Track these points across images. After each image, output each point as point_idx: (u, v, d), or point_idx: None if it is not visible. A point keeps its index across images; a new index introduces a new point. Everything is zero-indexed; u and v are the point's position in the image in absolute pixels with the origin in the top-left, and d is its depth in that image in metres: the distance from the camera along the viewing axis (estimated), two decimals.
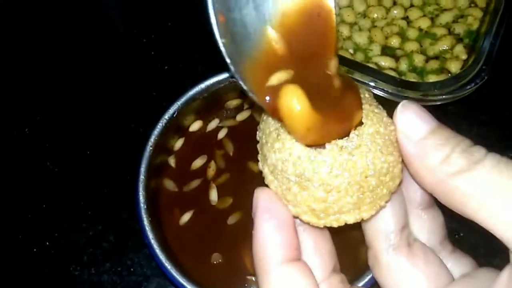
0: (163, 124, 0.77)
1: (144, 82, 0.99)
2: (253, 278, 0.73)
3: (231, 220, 0.77)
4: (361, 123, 0.48)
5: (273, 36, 0.48)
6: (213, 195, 0.78)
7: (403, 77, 0.85)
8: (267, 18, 0.48)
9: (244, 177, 0.79)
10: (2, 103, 0.98)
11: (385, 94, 0.80)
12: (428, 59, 0.89)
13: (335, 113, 0.47)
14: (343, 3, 0.95)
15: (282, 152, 0.47)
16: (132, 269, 0.83)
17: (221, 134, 0.83)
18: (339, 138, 0.47)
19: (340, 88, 0.49)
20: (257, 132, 0.52)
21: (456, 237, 0.80)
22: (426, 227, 0.53)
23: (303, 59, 0.48)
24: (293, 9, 0.48)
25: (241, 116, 0.84)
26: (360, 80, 0.80)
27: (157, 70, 1.00)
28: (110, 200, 0.87)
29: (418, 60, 0.88)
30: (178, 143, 0.82)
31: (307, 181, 0.46)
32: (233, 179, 0.79)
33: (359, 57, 0.89)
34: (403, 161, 0.48)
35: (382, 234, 0.50)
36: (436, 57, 0.89)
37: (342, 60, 0.81)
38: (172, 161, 0.81)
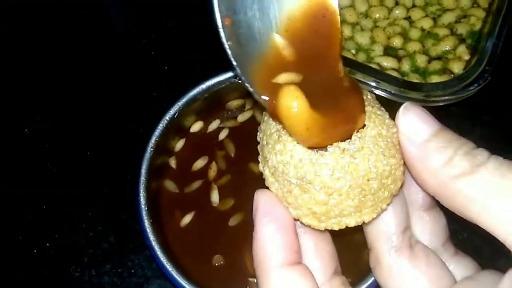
0: (164, 125, 0.77)
1: (144, 83, 0.99)
2: (255, 280, 0.72)
3: (233, 221, 0.76)
4: (363, 125, 0.48)
5: (280, 42, 0.47)
6: (214, 197, 0.78)
7: (405, 78, 0.85)
8: (272, 20, 0.48)
9: (246, 178, 0.79)
10: (2, 103, 0.98)
11: (387, 95, 0.79)
12: (430, 59, 0.88)
13: (338, 115, 0.47)
14: (345, 3, 0.94)
15: (283, 154, 0.47)
16: (132, 271, 0.82)
17: (222, 135, 0.83)
18: (341, 141, 0.46)
19: (344, 89, 0.48)
20: (258, 133, 0.52)
21: (459, 238, 0.79)
22: (428, 228, 0.53)
23: (309, 61, 0.48)
24: (298, 11, 0.48)
25: (242, 117, 0.84)
26: (362, 81, 0.79)
27: (157, 70, 1.00)
28: (110, 200, 0.87)
29: (421, 60, 0.87)
30: (179, 144, 0.82)
31: (308, 184, 0.46)
32: (235, 180, 0.79)
33: (361, 58, 0.89)
34: (405, 164, 0.48)
35: (383, 236, 0.50)
36: (438, 58, 0.88)
37: (344, 61, 0.79)
38: (173, 162, 0.81)
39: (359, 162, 0.46)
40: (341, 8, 0.93)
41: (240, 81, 0.46)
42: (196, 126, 0.83)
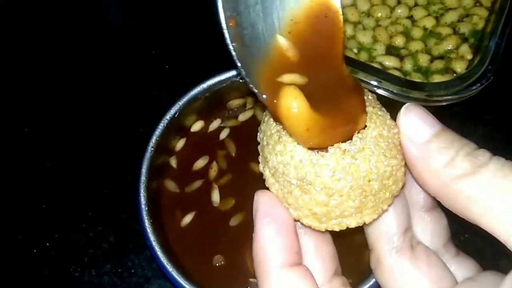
0: (164, 124, 0.76)
1: (144, 82, 0.98)
2: (256, 281, 0.72)
3: (233, 221, 0.76)
4: (364, 126, 0.47)
5: (284, 44, 0.47)
6: (215, 196, 0.78)
7: (407, 77, 0.84)
8: (275, 21, 0.47)
9: (247, 178, 0.78)
10: (2, 103, 0.98)
11: (390, 94, 0.79)
12: (433, 59, 0.88)
13: (339, 116, 0.47)
14: (347, 2, 0.94)
15: (283, 155, 0.47)
16: (132, 271, 0.82)
17: (223, 134, 0.82)
18: (342, 141, 0.46)
19: (345, 90, 0.48)
20: (258, 134, 0.52)
21: (460, 239, 0.79)
22: (429, 229, 0.53)
23: (312, 62, 0.48)
24: (301, 11, 0.48)
25: (243, 116, 0.84)
26: (364, 80, 0.79)
27: (157, 69, 1.00)
28: (110, 200, 0.87)
29: (423, 60, 0.87)
30: (180, 144, 0.82)
31: (309, 185, 0.45)
32: (235, 180, 0.79)
33: (363, 57, 0.88)
34: (406, 164, 0.48)
35: (384, 236, 0.50)
36: (441, 57, 0.88)
37: (346, 60, 0.80)
38: (173, 161, 0.80)
39: (360, 163, 0.45)
40: (343, 7, 0.93)
41: (245, 83, 0.46)
42: (197, 126, 0.83)
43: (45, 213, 0.86)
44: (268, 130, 0.49)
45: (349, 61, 0.81)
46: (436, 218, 0.53)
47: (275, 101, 0.45)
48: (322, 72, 0.48)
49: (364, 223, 0.48)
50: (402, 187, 0.49)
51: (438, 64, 0.87)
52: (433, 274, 0.49)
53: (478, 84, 0.78)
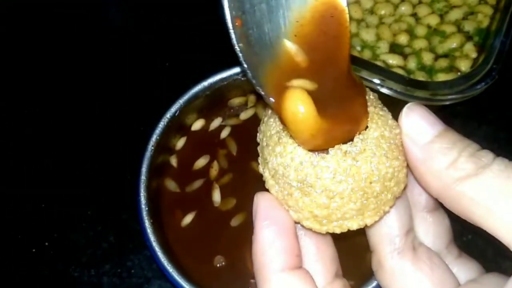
0: (165, 123, 0.76)
1: (145, 81, 0.98)
2: None
3: (234, 221, 0.76)
4: (365, 127, 0.47)
5: (292, 49, 0.47)
6: (216, 196, 0.77)
7: (411, 76, 0.84)
8: (281, 20, 0.47)
9: (248, 178, 0.78)
10: (1, 103, 0.98)
11: (393, 93, 0.79)
12: (437, 57, 0.87)
13: (342, 118, 0.46)
14: None
15: (283, 157, 0.46)
16: (132, 271, 0.82)
17: (224, 133, 0.82)
18: (343, 143, 0.46)
19: (348, 90, 0.48)
20: (258, 134, 0.51)
21: (463, 240, 0.79)
22: (432, 230, 0.53)
23: (320, 66, 0.48)
24: (307, 11, 0.48)
25: (245, 115, 0.83)
26: (367, 79, 0.78)
27: (158, 68, 1.00)
28: (110, 200, 0.86)
29: (427, 58, 0.87)
30: (180, 143, 0.81)
31: (309, 187, 0.45)
32: (237, 179, 0.79)
33: (367, 55, 0.88)
34: (408, 165, 0.47)
35: (386, 238, 0.50)
36: (445, 55, 0.87)
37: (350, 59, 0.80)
38: (174, 161, 0.80)
39: (361, 164, 0.45)
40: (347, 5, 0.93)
41: (248, 82, 0.45)
42: (198, 124, 0.82)
43: (44, 213, 0.86)
44: (268, 131, 0.49)
45: (352, 59, 0.80)
46: (439, 219, 0.53)
47: (282, 104, 0.44)
48: (328, 75, 0.48)
49: (366, 225, 0.47)
50: (404, 189, 0.49)
51: (442, 63, 0.86)
52: (436, 276, 0.48)
53: (483, 83, 0.77)
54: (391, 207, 0.48)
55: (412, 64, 0.86)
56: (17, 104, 0.98)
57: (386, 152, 0.46)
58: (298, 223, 0.48)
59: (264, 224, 0.47)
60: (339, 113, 0.46)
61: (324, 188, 0.45)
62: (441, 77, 0.84)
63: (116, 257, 0.83)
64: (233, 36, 0.44)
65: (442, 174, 0.44)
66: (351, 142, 0.46)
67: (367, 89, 0.50)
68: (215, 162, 0.79)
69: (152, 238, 0.70)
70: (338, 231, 0.47)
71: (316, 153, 0.45)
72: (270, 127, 0.48)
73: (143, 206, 0.71)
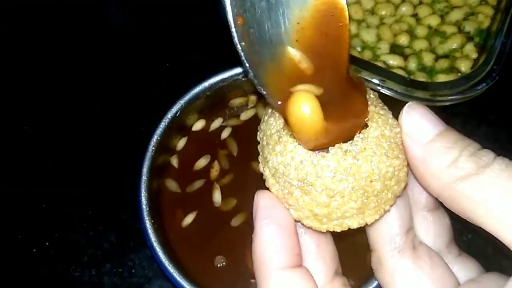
0: (166, 123, 0.76)
1: (145, 81, 0.98)
2: None
3: (235, 222, 0.76)
4: (365, 126, 0.47)
5: (296, 56, 0.47)
6: (217, 196, 0.77)
7: (411, 77, 0.84)
8: (280, 18, 0.47)
9: (248, 178, 0.78)
10: (1, 103, 0.98)
11: (393, 94, 0.79)
12: (437, 58, 0.87)
13: (344, 118, 0.46)
14: None
15: (283, 156, 0.46)
16: (133, 270, 0.82)
17: (225, 133, 0.82)
18: (343, 142, 0.46)
19: (349, 90, 0.48)
20: (258, 133, 0.51)
21: (463, 240, 0.79)
22: (432, 229, 0.53)
23: (323, 70, 0.47)
24: (307, 11, 0.47)
25: (245, 115, 0.83)
26: (368, 79, 0.78)
27: (158, 69, 1.00)
28: (111, 200, 0.86)
29: (427, 59, 0.87)
30: (181, 143, 0.81)
31: (310, 186, 0.45)
32: (237, 180, 0.79)
33: (367, 55, 0.88)
34: (408, 164, 0.47)
35: (386, 236, 0.50)
36: (446, 56, 0.87)
37: (350, 59, 0.80)
38: (174, 161, 0.80)
39: (361, 163, 0.45)
40: (347, 5, 0.93)
41: (249, 82, 0.45)
42: (198, 125, 0.82)
43: (45, 213, 0.86)
44: (268, 129, 0.49)
45: (353, 60, 0.81)
46: (439, 218, 0.53)
47: (288, 108, 0.45)
48: (330, 77, 0.48)
49: (366, 224, 0.47)
50: (405, 187, 0.49)
51: (443, 63, 0.86)
52: (436, 275, 0.48)
53: (484, 84, 0.77)
54: (391, 206, 0.48)
55: (412, 64, 0.86)
56: (17, 104, 0.98)
57: (387, 151, 0.45)
58: (299, 221, 0.48)
59: (264, 222, 0.47)
60: (341, 114, 0.46)
61: (324, 187, 0.45)
62: (442, 78, 0.84)
63: (116, 256, 0.83)
64: (235, 34, 0.43)
65: (442, 173, 0.43)
66: (351, 141, 0.46)
67: (367, 89, 0.50)
68: (216, 163, 0.79)
69: (153, 238, 0.69)
70: (338, 229, 0.47)
71: (317, 152, 0.45)
72: (270, 126, 0.48)
73: (144, 206, 0.71)
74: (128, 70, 1.00)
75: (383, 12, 0.92)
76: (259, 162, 0.50)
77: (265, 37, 0.46)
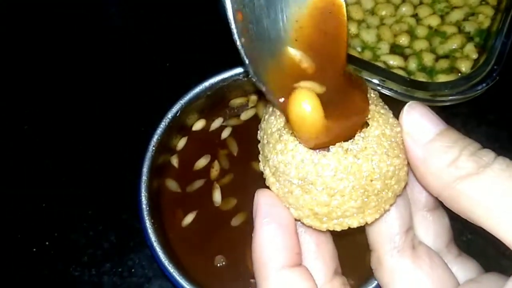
0: (166, 123, 0.76)
1: (145, 81, 0.98)
2: None
3: (235, 221, 0.75)
4: (366, 125, 0.47)
5: (297, 56, 0.47)
6: (217, 196, 0.77)
7: (412, 77, 0.84)
8: (278, 15, 0.47)
9: (248, 178, 0.78)
10: (2, 102, 0.98)
11: (394, 94, 0.79)
12: (437, 58, 0.87)
13: (345, 117, 0.46)
14: (351, 0, 0.94)
15: (284, 154, 0.46)
16: (133, 270, 0.82)
17: (225, 133, 0.82)
18: (344, 141, 0.46)
19: (350, 89, 0.48)
20: (258, 132, 0.51)
21: (463, 239, 0.79)
22: (432, 229, 0.53)
23: (324, 68, 0.47)
24: (306, 7, 0.47)
25: (246, 115, 0.83)
26: (368, 79, 0.78)
27: (158, 69, 1.00)
28: (111, 199, 0.86)
29: (428, 59, 0.87)
30: (181, 143, 0.81)
31: (310, 185, 0.45)
32: (237, 179, 0.78)
33: (367, 56, 0.88)
34: (408, 164, 0.47)
35: (386, 236, 0.49)
36: (446, 56, 0.87)
37: (350, 59, 0.80)
38: (174, 161, 0.80)
39: (362, 162, 0.45)
40: (347, 5, 0.93)
41: (250, 81, 0.45)
42: (199, 125, 0.82)
43: (45, 212, 0.86)
44: (269, 128, 0.49)
45: (353, 60, 0.81)
46: (439, 218, 0.53)
47: (289, 105, 0.44)
48: (331, 75, 0.48)
49: (366, 223, 0.47)
50: (405, 187, 0.49)
51: (443, 64, 0.86)
52: (435, 275, 0.48)
53: (484, 84, 0.77)
54: (391, 205, 0.48)
55: (412, 65, 0.86)
56: (17, 104, 0.98)
57: (387, 150, 0.45)
58: (299, 220, 0.48)
59: (264, 221, 0.47)
60: (342, 112, 0.46)
61: (325, 186, 0.44)
62: (442, 78, 0.84)
63: (116, 256, 0.83)
64: (234, 30, 0.43)
65: (442, 172, 0.43)
66: (352, 140, 0.45)
67: (368, 88, 0.50)
68: (216, 162, 0.79)
69: (153, 238, 0.69)
70: (338, 228, 0.47)
71: (317, 150, 0.45)
72: (271, 125, 0.48)
73: (144, 206, 0.71)
74: (128, 70, 1.00)
75: (383, 13, 0.92)
76: (259, 161, 0.50)
77: (264, 33, 0.45)
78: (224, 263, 0.73)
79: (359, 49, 0.89)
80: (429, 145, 0.45)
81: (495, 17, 0.88)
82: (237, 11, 0.43)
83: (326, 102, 0.44)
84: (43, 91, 0.99)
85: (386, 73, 0.79)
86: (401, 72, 0.84)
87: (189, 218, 0.76)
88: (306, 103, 0.43)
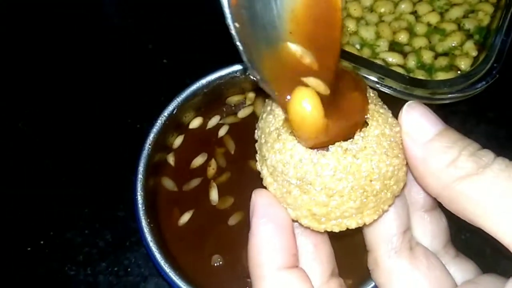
0: (162, 121, 0.76)
1: (142, 79, 0.98)
2: None
3: (232, 220, 0.75)
4: (366, 124, 0.46)
5: (297, 51, 0.46)
6: (214, 195, 0.77)
7: (411, 74, 0.84)
8: (272, 2, 0.45)
9: (246, 176, 0.77)
10: (1, 103, 0.98)
11: (392, 92, 0.78)
12: (437, 55, 0.87)
13: (344, 116, 0.46)
14: None
15: (282, 154, 0.46)
16: (129, 269, 0.82)
17: (222, 131, 0.81)
18: (343, 140, 0.45)
19: (349, 88, 0.47)
20: (256, 131, 0.51)
21: (461, 238, 0.78)
22: (429, 230, 0.52)
23: (322, 63, 0.47)
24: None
25: (243, 113, 0.83)
26: (367, 77, 0.78)
27: (156, 66, 1.00)
28: (107, 198, 0.86)
29: (427, 56, 0.86)
30: (178, 141, 0.81)
31: (309, 185, 0.45)
32: (234, 178, 0.78)
33: (366, 53, 0.88)
34: (407, 164, 0.47)
35: (384, 237, 0.49)
36: (445, 54, 0.87)
37: (349, 56, 0.79)
38: (171, 159, 0.80)
39: (361, 162, 0.44)
40: (345, 2, 0.93)
41: (247, 76, 0.44)
42: (195, 122, 0.82)
43: (40, 211, 0.86)
44: (267, 127, 0.48)
45: (352, 57, 0.81)
46: (436, 218, 0.53)
47: (289, 103, 0.44)
48: (327, 69, 0.47)
49: (364, 224, 0.47)
50: (403, 187, 0.48)
51: (442, 61, 0.86)
52: (433, 276, 0.48)
53: (483, 82, 0.77)
54: (390, 206, 0.47)
55: (411, 62, 0.86)
56: (17, 104, 0.97)
57: (387, 150, 0.45)
58: (296, 221, 0.47)
59: (261, 221, 0.46)
60: (342, 112, 0.45)
61: (323, 186, 0.44)
62: (441, 75, 0.84)
63: (112, 255, 0.82)
64: (228, 15, 0.42)
65: (441, 173, 0.43)
66: (351, 139, 0.45)
67: (367, 87, 0.50)
68: (213, 161, 0.79)
69: (149, 237, 0.69)
70: (336, 229, 0.47)
71: (316, 150, 0.45)
72: (269, 124, 0.48)
73: (140, 205, 0.71)
74: (128, 70, 1.00)
75: (382, 10, 0.92)
76: (256, 161, 0.50)
77: (257, 19, 0.44)
78: (221, 262, 0.73)
79: (358, 47, 0.89)
80: (428, 145, 0.44)
81: (495, 15, 0.87)
82: None
83: (326, 101, 0.43)
84: (42, 90, 0.99)
85: (385, 71, 0.79)
86: (400, 70, 0.84)
87: (185, 217, 0.76)
88: (306, 102, 0.42)
